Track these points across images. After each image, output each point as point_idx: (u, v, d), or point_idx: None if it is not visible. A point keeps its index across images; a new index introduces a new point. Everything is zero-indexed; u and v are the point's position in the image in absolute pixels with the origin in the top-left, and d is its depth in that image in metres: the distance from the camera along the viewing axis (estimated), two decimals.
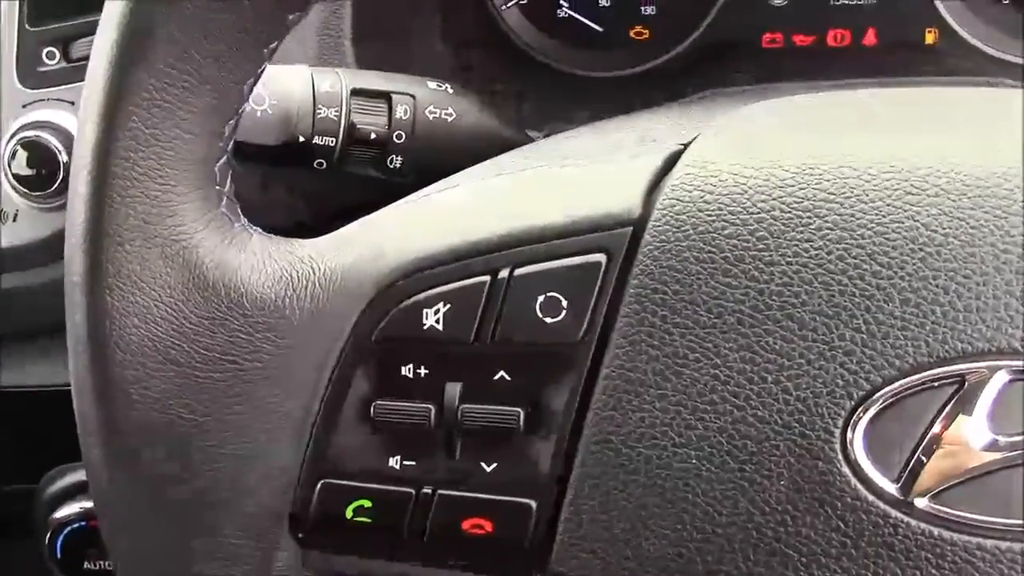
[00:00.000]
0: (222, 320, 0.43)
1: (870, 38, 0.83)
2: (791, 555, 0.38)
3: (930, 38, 0.82)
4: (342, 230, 0.47)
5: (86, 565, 0.80)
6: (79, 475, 0.78)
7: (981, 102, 0.49)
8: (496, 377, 0.42)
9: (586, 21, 0.85)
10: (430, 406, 0.42)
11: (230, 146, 0.45)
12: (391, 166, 0.61)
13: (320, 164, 0.60)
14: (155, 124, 0.42)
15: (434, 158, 0.60)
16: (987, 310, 0.37)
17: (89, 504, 0.77)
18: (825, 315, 0.38)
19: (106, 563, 0.79)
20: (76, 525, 0.79)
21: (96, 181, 0.42)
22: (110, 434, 0.44)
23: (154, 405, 0.44)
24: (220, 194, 0.45)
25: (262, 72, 0.45)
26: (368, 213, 0.48)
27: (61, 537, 0.80)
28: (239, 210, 0.46)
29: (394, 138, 0.60)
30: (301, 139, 0.58)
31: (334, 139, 0.59)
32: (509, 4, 0.84)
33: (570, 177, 0.45)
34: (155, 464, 0.44)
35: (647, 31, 0.86)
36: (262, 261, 0.45)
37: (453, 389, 0.42)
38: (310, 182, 0.62)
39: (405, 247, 0.44)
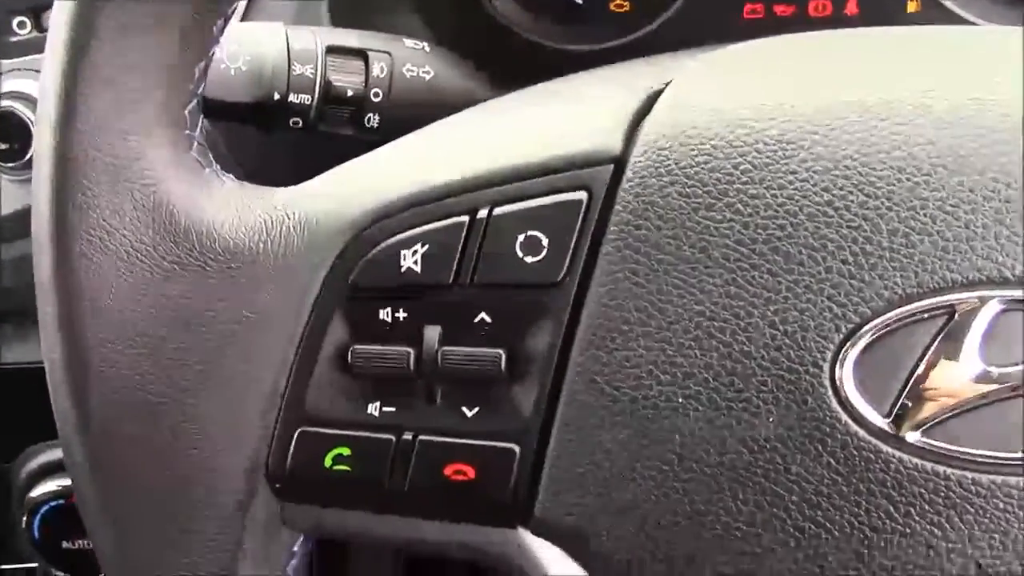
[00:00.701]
0: (194, 266, 0.42)
1: (851, 7, 0.82)
2: (781, 494, 0.38)
3: (912, 7, 0.81)
4: (317, 178, 0.46)
5: (64, 545, 0.78)
6: (56, 453, 0.76)
7: (969, 37, 0.48)
8: (476, 319, 0.41)
9: None
10: (409, 350, 0.41)
11: (200, 90, 0.44)
12: (368, 125, 0.60)
13: (296, 123, 0.59)
14: (122, 66, 0.41)
15: (412, 117, 0.58)
16: (977, 239, 0.36)
17: (66, 481, 0.75)
18: (811, 248, 0.37)
19: (86, 542, 0.77)
20: (54, 503, 0.77)
21: (61, 125, 0.41)
22: (81, 386, 0.43)
23: (126, 351, 0.43)
24: (190, 139, 0.44)
25: (232, 13, 0.43)
26: None
27: (38, 517, 0.78)
28: (210, 156, 0.45)
29: (371, 96, 0.59)
30: (276, 96, 0.57)
31: (310, 97, 0.58)
32: None
33: (550, 116, 0.45)
34: (130, 418, 0.43)
35: (627, 3, 0.84)
36: (235, 207, 0.43)
37: (432, 332, 0.41)
38: (287, 141, 0.61)
39: (382, 189, 0.43)
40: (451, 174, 0.42)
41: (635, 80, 0.46)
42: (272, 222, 0.43)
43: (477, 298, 0.41)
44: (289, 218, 0.43)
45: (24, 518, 0.79)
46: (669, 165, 0.39)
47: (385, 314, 0.42)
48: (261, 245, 0.43)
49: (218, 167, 0.45)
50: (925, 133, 0.38)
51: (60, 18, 0.41)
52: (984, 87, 0.39)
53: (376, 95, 0.59)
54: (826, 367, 0.37)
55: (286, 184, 0.46)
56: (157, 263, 0.42)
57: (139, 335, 0.42)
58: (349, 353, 0.42)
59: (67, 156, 0.41)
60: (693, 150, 0.39)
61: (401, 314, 0.42)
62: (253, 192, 0.44)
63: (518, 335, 0.41)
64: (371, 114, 0.60)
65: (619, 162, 0.40)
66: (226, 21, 0.43)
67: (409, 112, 0.60)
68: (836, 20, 0.81)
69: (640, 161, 0.40)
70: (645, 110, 0.42)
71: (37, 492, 0.78)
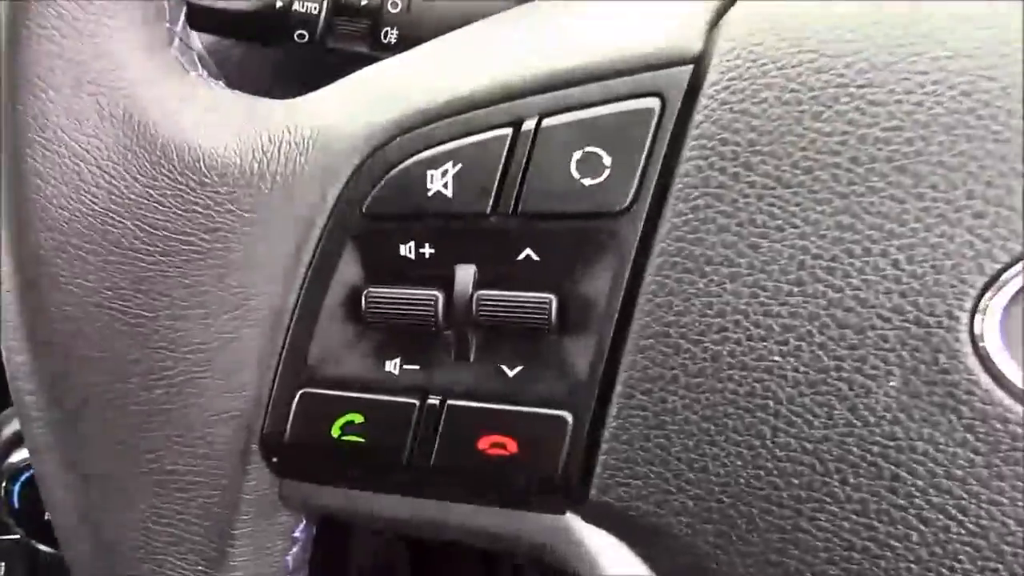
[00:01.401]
0: (174, 190, 0.38)
1: None
2: (904, 476, 0.32)
3: None
4: (326, 87, 0.40)
5: (47, 516, 0.73)
6: None
7: None
8: (520, 256, 0.36)
9: None
10: (436, 294, 0.37)
11: None
12: (385, 40, 0.54)
13: (301, 36, 0.53)
14: None
15: (435, 32, 0.53)
16: None
17: None
18: (948, 167, 0.32)
19: None
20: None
21: (11, 11, 0.37)
22: (36, 334, 0.39)
23: (88, 297, 0.38)
24: (171, 34, 0.39)
25: None
26: None
27: (18, 484, 0.73)
28: (195, 57, 0.39)
29: (388, 7, 0.54)
30: (279, 4, 0.51)
31: (317, 5, 0.52)
32: None
33: (611, 10, 0.39)
34: (92, 371, 0.39)
35: None
36: (224, 119, 0.39)
37: (466, 272, 0.36)
38: (288, 59, 0.57)
39: (404, 97, 0.38)
40: (490, 78, 0.37)
41: None
42: (270, 137, 0.38)
43: (521, 230, 0.36)
44: (291, 133, 0.38)
45: (3, 485, 0.75)
46: (764, 64, 0.34)
47: (407, 249, 0.37)
48: (256, 165, 0.38)
49: (204, 71, 0.40)
50: None
51: None
52: None
53: (394, 5, 0.54)
54: (964, 318, 0.32)
55: None
56: (128, 185, 0.38)
57: (104, 274, 0.38)
58: (363, 297, 0.37)
59: (18, 54, 0.37)
60: (794, 46, 0.34)
61: (427, 250, 0.37)
62: (247, 102, 0.40)
63: (572, 277, 0.36)
64: (388, 28, 0.53)
65: (700, 61, 0.35)
66: None
67: (432, 26, 0.54)
68: None
69: (727, 60, 0.34)
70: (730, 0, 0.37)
71: (16, 458, 0.74)
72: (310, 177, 0.37)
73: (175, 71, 0.39)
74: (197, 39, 0.55)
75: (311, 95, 0.40)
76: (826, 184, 0.33)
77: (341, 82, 0.40)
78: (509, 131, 0.36)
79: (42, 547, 0.75)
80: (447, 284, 0.37)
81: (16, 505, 0.74)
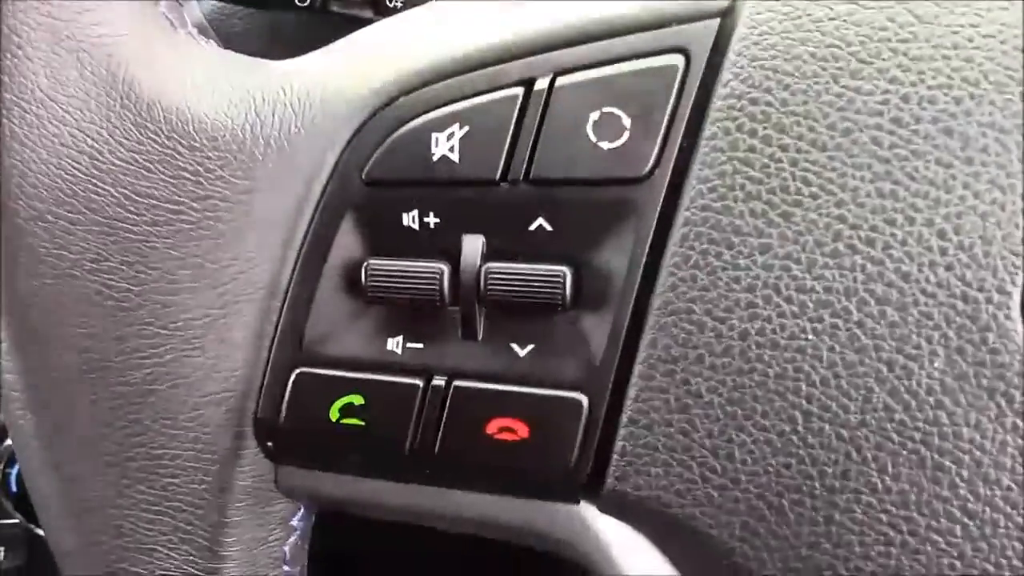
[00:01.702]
0: (161, 155, 0.36)
1: None
2: (948, 466, 0.31)
3: None
4: (325, 48, 0.38)
5: None
6: None
7: None
8: (532, 227, 0.34)
9: None
10: (442, 267, 0.35)
11: None
12: (391, 5, 0.54)
13: (303, 0, 0.52)
14: None
15: None
16: None
17: None
18: (1000, 128, 0.30)
19: None
20: None
21: None
22: (15, 309, 0.37)
23: (70, 270, 0.36)
24: None
25: None
26: None
27: (16, 468, 0.73)
28: (184, 14, 0.38)
29: None
30: None
31: None
32: None
33: None
34: (73, 349, 0.37)
35: None
36: (215, 79, 0.37)
37: (473, 244, 0.35)
38: (292, 24, 0.55)
39: (407, 55, 0.36)
40: (499, 34, 0.35)
41: None
42: (264, 98, 0.36)
43: (533, 198, 0.34)
44: (286, 93, 0.36)
45: (1, 469, 0.75)
46: (797, 17, 0.32)
47: (410, 219, 0.35)
48: (249, 128, 0.36)
49: (195, 29, 0.39)
50: None
51: None
52: None
53: None
54: (1016, 293, 0.30)
55: None
56: (112, 150, 0.36)
57: (86, 245, 0.36)
58: (363, 270, 0.36)
59: None
60: None
61: (432, 219, 0.35)
62: (240, 62, 0.38)
63: (588, 248, 0.34)
64: None
65: (727, 15, 0.33)
66: None
67: None
68: None
69: (757, 12, 0.32)
70: None
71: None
72: (307, 141, 0.36)
73: (163, 28, 0.37)
74: (197, 4, 0.54)
75: (308, 55, 0.38)
76: (865, 147, 0.31)
77: (340, 41, 0.39)
78: (520, 91, 0.34)
79: (41, 532, 0.76)
80: (453, 256, 0.35)
81: (14, 489, 0.74)
